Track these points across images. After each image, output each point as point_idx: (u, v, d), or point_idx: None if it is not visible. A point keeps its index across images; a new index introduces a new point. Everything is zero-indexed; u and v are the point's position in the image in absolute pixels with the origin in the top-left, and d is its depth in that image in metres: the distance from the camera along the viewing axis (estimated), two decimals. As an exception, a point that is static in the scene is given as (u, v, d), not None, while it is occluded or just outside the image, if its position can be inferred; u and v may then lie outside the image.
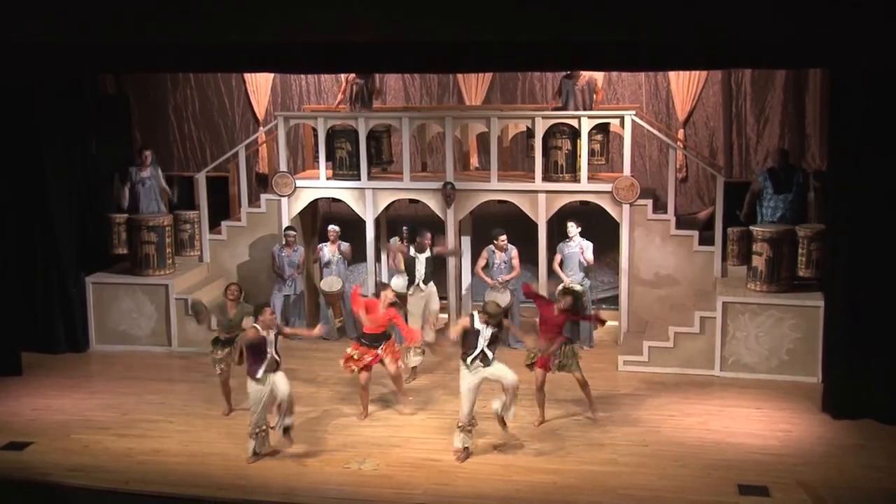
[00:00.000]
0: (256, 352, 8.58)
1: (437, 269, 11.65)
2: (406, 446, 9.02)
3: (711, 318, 10.76)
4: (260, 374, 8.57)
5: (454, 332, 8.85)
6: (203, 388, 10.66)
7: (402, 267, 11.49)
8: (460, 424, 8.61)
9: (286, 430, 8.70)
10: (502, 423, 8.80)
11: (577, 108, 11.96)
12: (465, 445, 8.64)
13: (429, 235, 11.42)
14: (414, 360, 10.74)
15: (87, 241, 12.21)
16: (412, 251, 11.41)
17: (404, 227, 12.15)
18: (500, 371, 8.59)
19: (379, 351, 9.59)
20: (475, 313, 8.62)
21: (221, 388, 9.86)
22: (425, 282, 11.30)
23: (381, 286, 10.00)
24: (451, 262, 12.19)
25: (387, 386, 10.13)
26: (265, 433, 8.74)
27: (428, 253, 11.36)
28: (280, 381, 8.66)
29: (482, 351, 8.50)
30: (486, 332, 8.50)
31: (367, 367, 9.58)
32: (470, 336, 8.57)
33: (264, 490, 8.18)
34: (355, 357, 9.58)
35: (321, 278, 12.34)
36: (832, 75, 9.92)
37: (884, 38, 8.47)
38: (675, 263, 11.69)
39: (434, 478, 8.34)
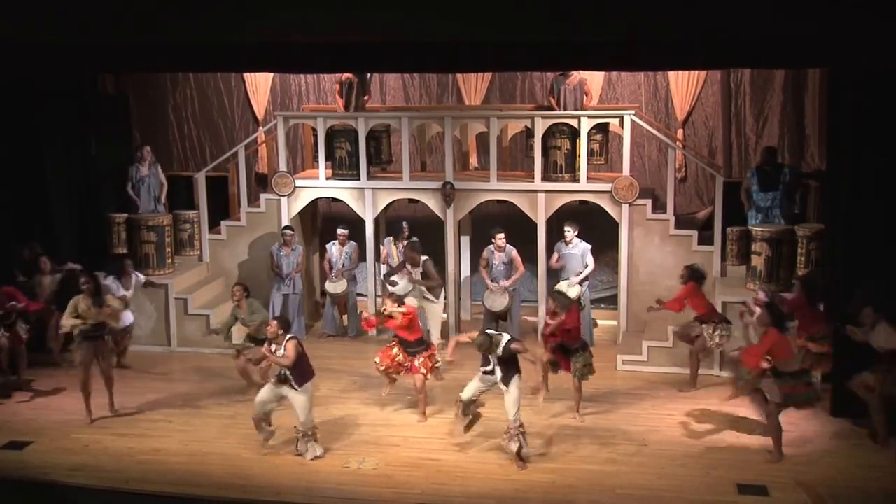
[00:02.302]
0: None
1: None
2: (405, 446, 9.03)
3: (710, 317, 10.77)
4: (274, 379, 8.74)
5: (450, 349, 8.97)
6: (203, 387, 10.68)
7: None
8: (457, 401, 8.82)
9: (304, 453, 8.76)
10: (518, 458, 8.59)
11: (566, 108, 11.99)
12: (460, 417, 8.83)
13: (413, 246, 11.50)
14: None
15: (87, 241, 12.20)
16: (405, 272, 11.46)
17: (404, 223, 12.14)
18: (508, 401, 8.50)
19: (417, 363, 9.56)
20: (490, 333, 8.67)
21: (241, 375, 10.17)
22: (435, 295, 11.39)
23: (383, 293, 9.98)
24: (451, 262, 12.19)
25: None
26: (260, 421, 8.83)
27: (420, 266, 11.38)
28: (296, 404, 8.64)
29: (493, 368, 8.53)
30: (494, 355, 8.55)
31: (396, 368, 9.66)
32: (483, 354, 8.62)
33: (264, 489, 8.19)
34: (394, 353, 9.60)
35: (327, 278, 12.34)
36: (831, 75, 9.93)
37: (883, 38, 8.49)
38: (675, 263, 11.68)
39: (433, 477, 8.35)
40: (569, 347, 9.50)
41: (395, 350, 9.64)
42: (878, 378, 8.73)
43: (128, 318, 11.10)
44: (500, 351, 8.42)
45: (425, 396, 9.70)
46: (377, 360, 9.75)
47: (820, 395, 8.84)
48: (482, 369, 8.63)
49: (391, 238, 12.29)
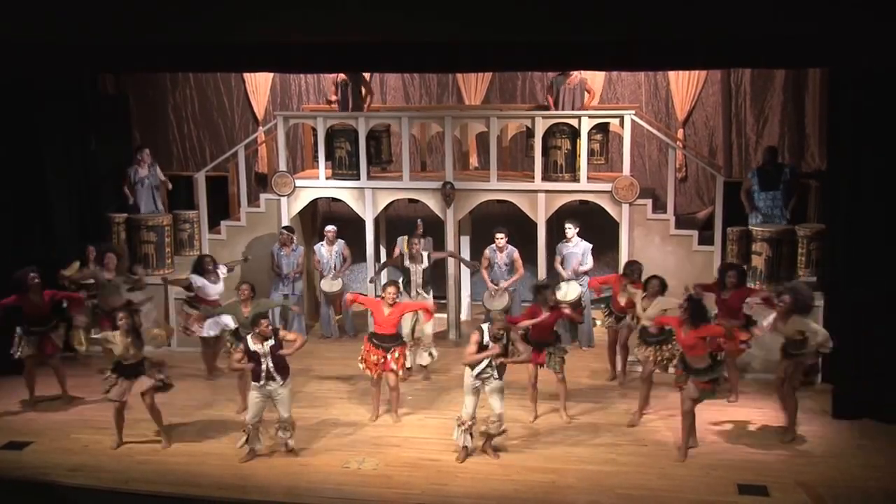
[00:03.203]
0: (255, 360, 8.60)
1: (436, 276, 11.65)
2: (405, 446, 9.02)
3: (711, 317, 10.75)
4: (259, 382, 8.62)
5: (470, 352, 8.57)
6: (203, 387, 10.68)
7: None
8: (461, 422, 8.61)
9: (287, 446, 8.78)
10: (489, 449, 8.70)
11: (564, 108, 12.00)
12: (466, 444, 8.63)
13: (421, 240, 11.37)
14: (425, 359, 10.76)
15: (87, 241, 12.18)
16: (406, 261, 11.34)
17: (419, 220, 12.03)
18: (494, 396, 8.52)
19: (388, 357, 9.50)
20: (484, 327, 8.57)
21: (238, 383, 9.90)
22: (425, 290, 11.29)
23: (384, 286, 9.80)
24: (451, 262, 12.18)
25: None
26: (256, 431, 8.74)
27: (425, 263, 11.31)
28: (282, 398, 8.64)
29: (489, 364, 8.46)
30: (493, 347, 8.47)
31: (379, 371, 9.58)
32: (479, 349, 8.52)
33: (264, 490, 8.19)
34: (373, 360, 9.51)
35: (321, 278, 12.35)
36: (831, 75, 9.93)
37: (883, 38, 8.49)
38: (675, 263, 11.68)
39: (433, 478, 8.35)
40: (542, 343, 9.47)
41: (374, 357, 9.51)
42: (783, 366, 8.95)
43: (227, 323, 10.58)
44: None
45: (398, 395, 9.67)
46: (372, 376, 9.61)
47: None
48: (475, 372, 8.48)
49: (405, 237, 12.21)
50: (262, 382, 8.61)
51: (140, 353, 9.00)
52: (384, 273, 12.06)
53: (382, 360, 9.50)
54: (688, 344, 8.41)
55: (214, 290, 10.95)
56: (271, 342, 8.56)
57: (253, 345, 8.59)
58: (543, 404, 9.73)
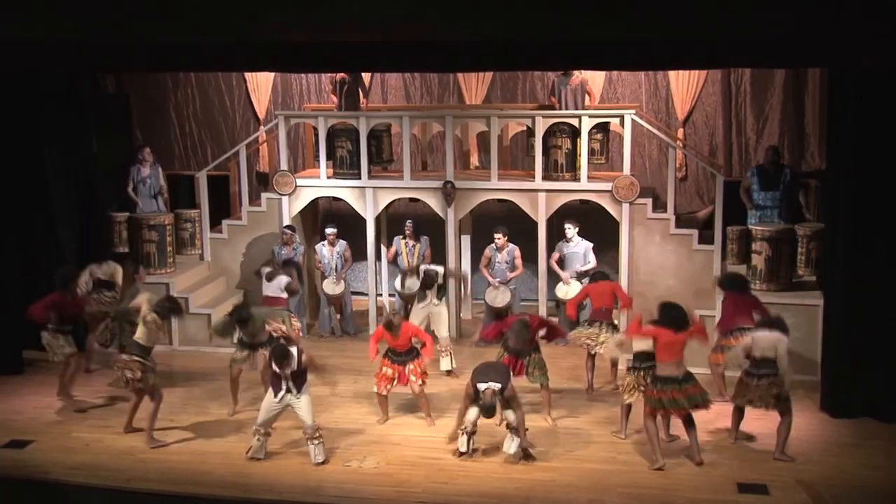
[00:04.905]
0: (274, 374, 8.54)
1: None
2: (406, 444, 9.04)
3: (711, 316, 10.76)
4: (277, 398, 8.56)
5: (463, 410, 8.62)
6: (204, 386, 10.68)
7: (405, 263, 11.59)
8: (464, 428, 8.57)
9: (317, 459, 8.65)
10: (526, 457, 8.60)
11: (567, 109, 12.01)
12: (464, 450, 8.57)
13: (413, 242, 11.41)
14: (445, 364, 10.79)
15: (88, 240, 12.20)
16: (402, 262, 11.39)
17: (408, 221, 12.10)
18: (509, 410, 8.46)
19: (406, 370, 9.39)
20: (481, 389, 8.35)
21: (230, 384, 9.86)
22: (438, 297, 11.15)
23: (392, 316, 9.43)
24: (452, 259, 12.21)
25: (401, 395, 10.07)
26: (265, 436, 8.72)
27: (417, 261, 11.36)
28: (301, 406, 8.55)
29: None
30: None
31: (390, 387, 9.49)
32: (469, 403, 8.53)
33: (264, 488, 8.20)
34: (389, 374, 9.40)
35: (323, 278, 12.36)
36: (831, 75, 9.94)
37: (884, 38, 8.49)
38: (675, 262, 11.72)
39: (434, 476, 8.36)
40: (520, 351, 9.33)
41: (389, 371, 9.42)
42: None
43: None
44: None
45: (427, 401, 9.57)
46: (375, 389, 9.51)
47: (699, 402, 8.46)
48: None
49: (400, 237, 12.21)
50: (279, 398, 8.55)
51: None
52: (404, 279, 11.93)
53: (399, 375, 9.40)
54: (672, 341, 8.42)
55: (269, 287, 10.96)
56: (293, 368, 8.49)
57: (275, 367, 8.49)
58: (539, 405, 9.74)
